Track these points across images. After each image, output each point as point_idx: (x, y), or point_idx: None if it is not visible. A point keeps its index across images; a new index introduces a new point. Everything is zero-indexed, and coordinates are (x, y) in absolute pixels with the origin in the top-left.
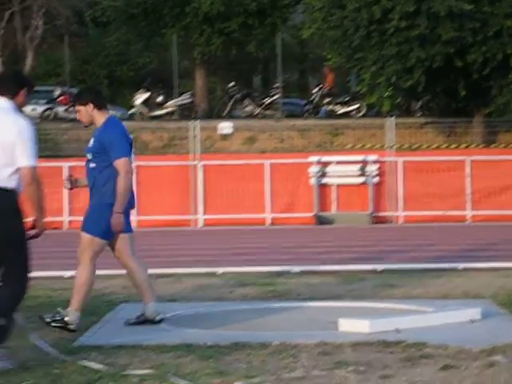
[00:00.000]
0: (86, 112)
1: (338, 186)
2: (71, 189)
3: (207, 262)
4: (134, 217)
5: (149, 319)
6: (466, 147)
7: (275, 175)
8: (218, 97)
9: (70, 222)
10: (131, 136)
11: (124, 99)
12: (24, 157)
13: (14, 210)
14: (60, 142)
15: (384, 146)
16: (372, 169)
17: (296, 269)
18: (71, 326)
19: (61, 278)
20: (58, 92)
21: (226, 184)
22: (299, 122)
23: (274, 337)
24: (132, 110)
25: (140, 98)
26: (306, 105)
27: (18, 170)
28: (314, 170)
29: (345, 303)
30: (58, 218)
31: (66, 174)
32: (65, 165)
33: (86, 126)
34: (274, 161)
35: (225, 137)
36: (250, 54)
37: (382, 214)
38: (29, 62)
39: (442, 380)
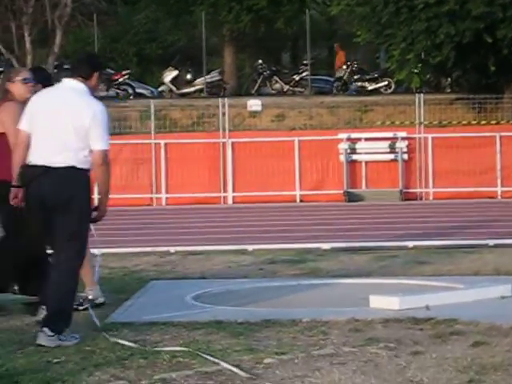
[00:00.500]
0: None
1: (368, 162)
2: None
3: (237, 240)
4: (163, 194)
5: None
6: (496, 123)
7: (304, 152)
8: (247, 74)
9: None
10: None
11: (153, 77)
12: (98, 141)
13: (88, 189)
14: None
15: (413, 123)
16: (401, 145)
17: (326, 246)
18: (100, 300)
19: None
20: None
21: (255, 161)
22: (328, 99)
23: (304, 314)
24: (161, 88)
25: (169, 75)
26: (334, 82)
27: (90, 152)
28: (343, 146)
29: (375, 280)
30: None
31: None
32: None
33: None
34: (303, 138)
35: (254, 114)
36: (279, 31)
37: (411, 190)
38: (58, 40)
39: (472, 356)
